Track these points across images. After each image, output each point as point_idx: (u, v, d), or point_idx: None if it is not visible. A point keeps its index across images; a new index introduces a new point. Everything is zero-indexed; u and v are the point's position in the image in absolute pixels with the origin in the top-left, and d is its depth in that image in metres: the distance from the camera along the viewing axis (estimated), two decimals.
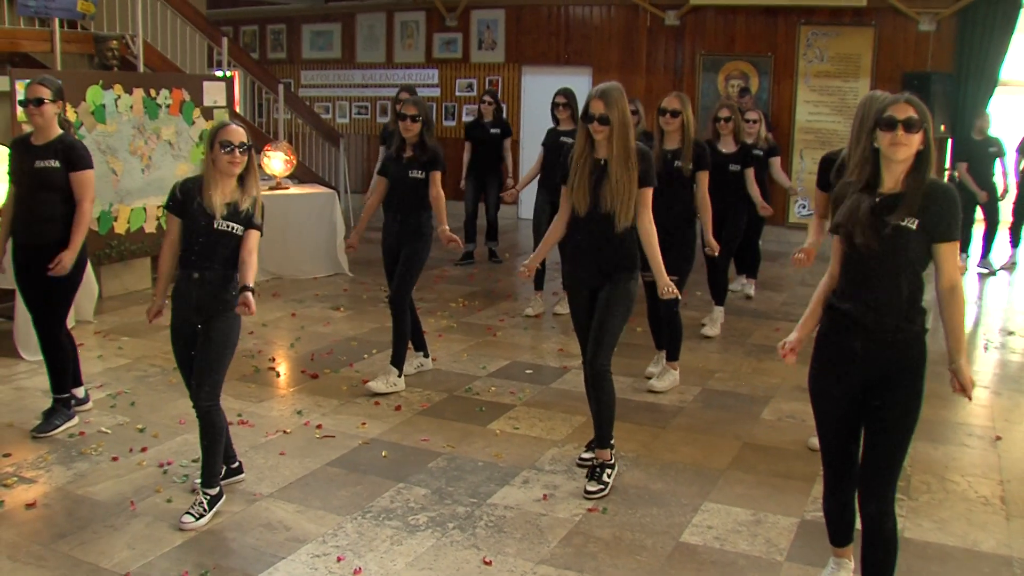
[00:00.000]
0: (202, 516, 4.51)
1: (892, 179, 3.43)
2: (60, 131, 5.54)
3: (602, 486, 4.92)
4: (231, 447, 4.91)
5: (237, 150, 4.47)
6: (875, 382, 3.50)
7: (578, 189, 4.86)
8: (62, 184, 5.47)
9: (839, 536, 3.89)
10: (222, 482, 4.73)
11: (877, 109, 3.47)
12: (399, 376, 6.50)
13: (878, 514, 3.53)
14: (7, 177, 5.71)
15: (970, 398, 3.57)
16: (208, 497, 4.58)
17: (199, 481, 4.66)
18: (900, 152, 3.36)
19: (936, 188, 3.39)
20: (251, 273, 4.54)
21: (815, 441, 4.96)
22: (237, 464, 4.99)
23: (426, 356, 6.96)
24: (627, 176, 4.78)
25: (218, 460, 4.65)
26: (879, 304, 3.43)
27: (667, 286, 4.90)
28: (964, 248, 11.57)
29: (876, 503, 3.53)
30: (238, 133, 4.51)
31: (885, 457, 3.52)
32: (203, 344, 4.55)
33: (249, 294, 4.44)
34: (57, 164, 5.44)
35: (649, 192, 4.91)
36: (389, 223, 6.46)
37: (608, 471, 5.01)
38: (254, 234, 4.60)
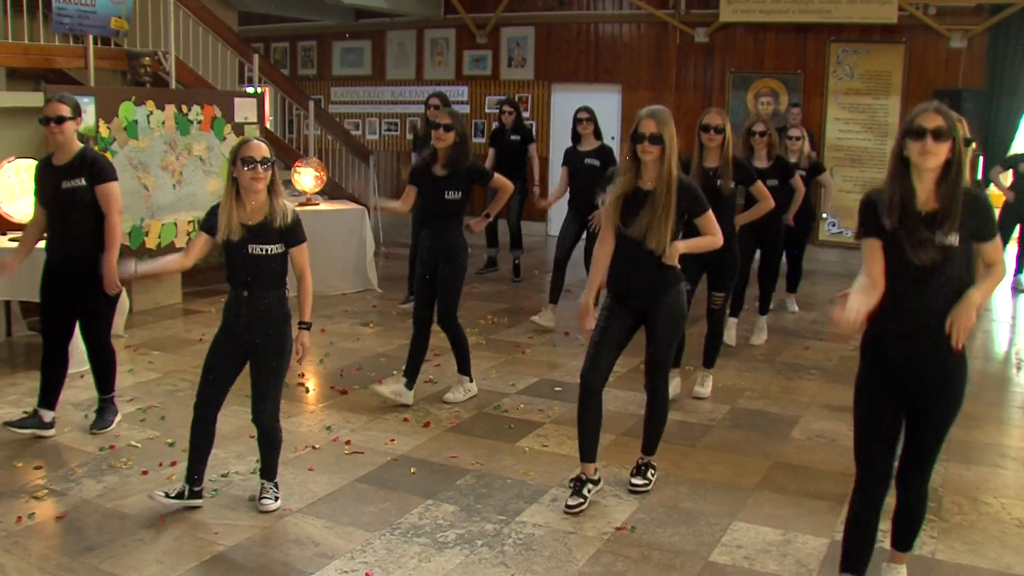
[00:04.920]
0: (277, 498, 4.82)
1: (925, 192, 3.47)
2: (80, 145, 5.59)
3: (647, 481, 5.18)
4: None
5: (260, 166, 4.48)
6: (921, 388, 3.60)
7: (627, 216, 4.79)
8: (90, 200, 5.53)
9: (856, 559, 3.79)
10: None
11: (907, 120, 3.51)
12: (471, 381, 6.69)
13: (919, 496, 3.80)
14: (33, 197, 5.76)
15: (960, 346, 3.49)
16: (274, 484, 4.84)
17: (258, 474, 4.93)
18: (929, 161, 3.41)
19: (969, 199, 3.47)
20: (307, 304, 4.75)
21: None
22: None
23: (471, 381, 6.88)
24: (670, 203, 4.72)
25: (278, 461, 4.87)
26: (923, 316, 3.50)
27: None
28: None
29: (919, 486, 3.78)
30: (260, 148, 4.52)
31: (929, 448, 3.70)
32: (260, 368, 4.66)
33: (305, 334, 4.69)
34: (83, 182, 5.50)
35: (710, 216, 4.94)
36: (422, 237, 6.50)
37: (652, 471, 5.24)
38: (300, 250, 4.73)
